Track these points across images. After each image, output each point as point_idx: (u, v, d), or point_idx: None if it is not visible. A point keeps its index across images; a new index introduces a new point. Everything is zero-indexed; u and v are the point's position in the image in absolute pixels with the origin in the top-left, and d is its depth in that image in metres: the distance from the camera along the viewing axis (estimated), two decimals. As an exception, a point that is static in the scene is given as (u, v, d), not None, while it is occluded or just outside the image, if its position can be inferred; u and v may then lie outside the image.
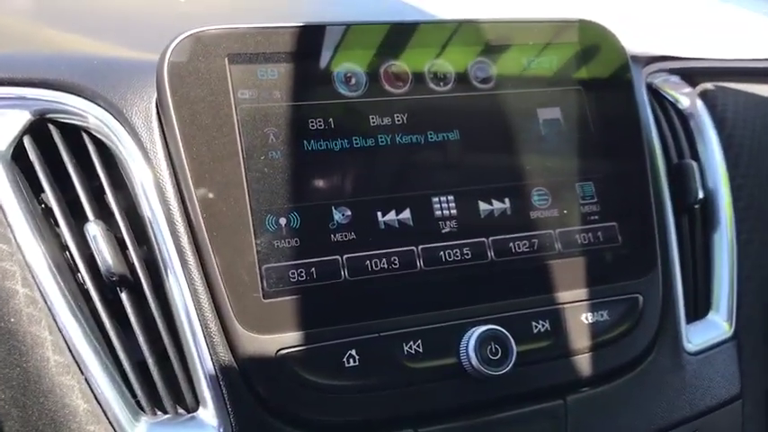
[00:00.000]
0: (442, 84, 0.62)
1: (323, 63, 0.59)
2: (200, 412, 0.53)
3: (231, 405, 0.53)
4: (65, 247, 0.55)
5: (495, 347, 0.56)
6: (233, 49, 0.56)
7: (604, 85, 0.67)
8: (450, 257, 0.58)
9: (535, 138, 0.63)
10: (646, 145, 0.67)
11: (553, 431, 0.59)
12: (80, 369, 0.51)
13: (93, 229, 0.54)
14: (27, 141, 0.56)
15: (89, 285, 0.54)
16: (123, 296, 0.54)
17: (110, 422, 0.51)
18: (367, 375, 0.54)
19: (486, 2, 0.96)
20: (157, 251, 0.55)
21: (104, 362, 0.52)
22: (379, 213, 0.57)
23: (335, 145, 0.58)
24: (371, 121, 0.59)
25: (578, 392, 0.60)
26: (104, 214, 0.57)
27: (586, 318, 0.60)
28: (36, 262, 0.53)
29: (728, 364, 0.68)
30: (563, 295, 0.60)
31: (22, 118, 0.57)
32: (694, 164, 0.73)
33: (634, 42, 0.77)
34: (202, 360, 0.53)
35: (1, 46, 0.69)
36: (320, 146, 0.57)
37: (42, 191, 0.56)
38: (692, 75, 0.81)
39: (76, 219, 0.56)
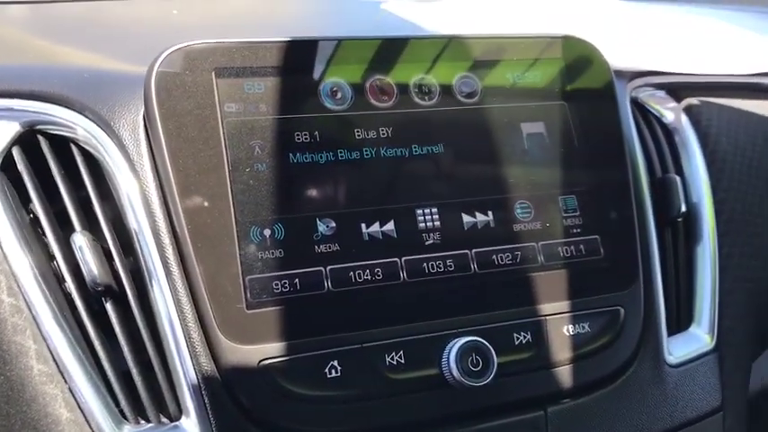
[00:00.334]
0: (427, 98, 0.63)
1: (309, 77, 0.60)
2: (183, 421, 0.54)
3: (213, 414, 0.53)
4: (51, 258, 0.56)
5: (477, 359, 0.56)
6: (220, 63, 0.57)
7: (588, 99, 0.68)
8: (433, 269, 0.59)
9: (519, 151, 0.64)
10: (629, 159, 0.68)
11: (534, 442, 0.60)
12: (64, 378, 0.52)
13: (80, 240, 0.55)
14: (16, 152, 0.57)
15: (74, 295, 0.55)
16: (108, 306, 0.55)
17: (92, 431, 0.51)
18: (349, 386, 0.55)
19: (474, 17, 0.97)
20: (143, 262, 0.55)
21: (88, 371, 0.53)
22: (364, 225, 0.58)
23: (321, 158, 0.58)
24: (357, 134, 0.60)
25: (559, 404, 0.61)
26: (92, 225, 0.57)
27: (568, 330, 0.61)
28: (22, 271, 0.53)
29: (710, 377, 0.69)
30: (545, 307, 0.61)
31: (12, 129, 0.57)
32: (677, 178, 0.74)
33: (619, 57, 0.78)
34: (185, 370, 0.54)
35: (-8, 57, 0.70)
36: (305, 158, 0.58)
37: (30, 201, 0.57)
38: (677, 89, 0.82)
39: (64, 229, 0.57)
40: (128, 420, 0.53)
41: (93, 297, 0.55)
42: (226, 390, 0.54)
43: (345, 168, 0.59)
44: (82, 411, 0.52)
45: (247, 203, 0.55)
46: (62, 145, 0.59)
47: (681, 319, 0.71)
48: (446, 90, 0.63)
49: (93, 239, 0.55)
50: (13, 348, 0.51)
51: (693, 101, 0.81)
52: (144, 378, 0.54)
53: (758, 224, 0.77)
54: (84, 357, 0.53)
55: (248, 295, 0.54)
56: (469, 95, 0.64)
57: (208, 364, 0.54)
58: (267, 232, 0.55)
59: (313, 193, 0.58)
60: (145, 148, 0.57)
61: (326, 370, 0.54)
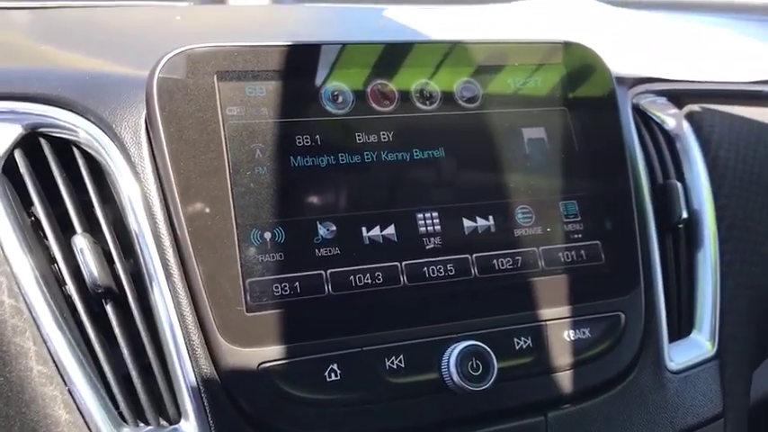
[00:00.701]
0: (428, 103, 0.63)
1: (310, 81, 0.60)
2: (182, 424, 0.54)
3: (213, 417, 0.53)
4: (52, 260, 0.56)
5: (477, 363, 0.56)
6: (221, 67, 0.57)
7: (589, 105, 0.68)
8: (433, 273, 0.59)
9: (520, 156, 0.64)
10: (630, 165, 0.68)
11: (534, 447, 0.59)
12: (63, 380, 0.52)
13: (81, 242, 0.55)
14: (18, 155, 0.57)
15: (75, 297, 0.55)
16: (108, 308, 0.55)
17: (91, 433, 0.51)
18: (348, 390, 0.55)
19: (474, 24, 0.97)
20: (143, 264, 0.56)
21: (88, 373, 0.53)
22: (364, 229, 0.58)
23: (321, 161, 0.59)
24: (358, 138, 0.60)
25: (559, 409, 0.61)
26: (93, 227, 0.57)
27: (568, 335, 0.61)
28: (23, 273, 0.54)
29: (710, 384, 0.69)
30: (545, 312, 0.60)
31: (14, 132, 0.57)
32: (679, 184, 0.74)
33: (621, 64, 0.79)
34: (185, 372, 0.54)
35: (-4, 61, 0.70)
36: (306, 162, 0.58)
37: (32, 203, 0.57)
38: (678, 96, 0.82)
39: (65, 232, 0.57)
40: (127, 423, 0.53)
41: (93, 299, 0.55)
42: (225, 393, 0.54)
43: (346, 172, 0.59)
44: (81, 413, 0.52)
45: (248, 206, 0.56)
46: (64, 147, 0.59)
47: (682, 326, 0.71)
48: (447, 95, 0.63)
49: (93, 242, 0.56)
50: (13, 350, 0.51)
51: (695, 107, 0.81)
52: (143, 380, 0.54)
53: (759, 231, 0.77)
54: (83, 359, 0.53)
55: (248, 298, 0.54)
56: (471, 100, 0.64)
57: (207, 367, 0.54)
58: (267, 235, 0.56)
59: (314, 196, 0.58)
60: (146, 151, 0.58)
61: (326, 373, 0.54)
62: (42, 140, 0.58)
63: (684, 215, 0.73)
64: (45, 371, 0.51)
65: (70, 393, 0.52)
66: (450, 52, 0.65)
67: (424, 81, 0.63)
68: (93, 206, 0.57)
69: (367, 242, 0.58)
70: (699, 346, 0.70)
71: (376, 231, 0.58)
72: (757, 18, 1.14)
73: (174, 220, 0.55)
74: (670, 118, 0.80)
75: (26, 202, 0.57)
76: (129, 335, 0.55)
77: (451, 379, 0.56)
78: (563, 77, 0.67)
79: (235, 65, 0.58)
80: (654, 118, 0.80)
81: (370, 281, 0.57)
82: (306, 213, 0.57)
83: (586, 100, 0.68)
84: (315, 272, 0.56)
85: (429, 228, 0.60)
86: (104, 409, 0.52)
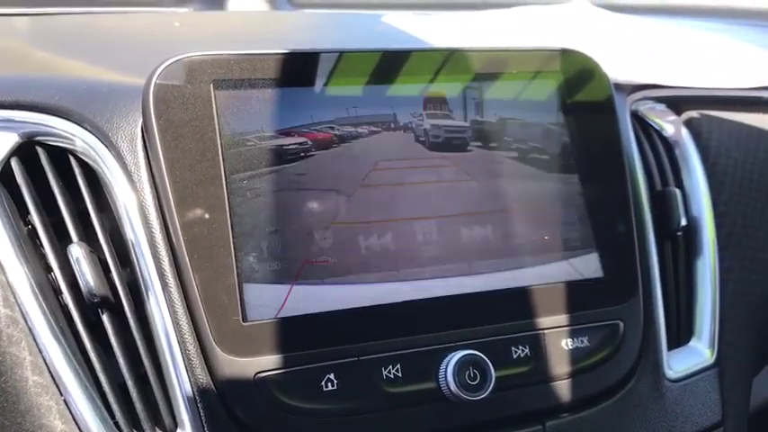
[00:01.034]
0: (425, 111, 0.63)
1: (307, 90, 0.60)
2: (178, 434, 0.53)
3: (209, 427, 0.53)
4: (48, 269, 0.56)
5: (474, 372, 0.56)
6: (218, 75, 0.57)
7: (588, 112, 0.68)
8: (430, 283, 0.58)
9: (517, 165, 0.64)
10: (628, 172, 0.68)
11: (532, 456, 0.59)
12: (59, 390, 0.51)
13: (77, 251, 0.55)
14: (14, 163, 0.57)
15: (71, 306, 0.54)
16: (105, 318, 0.55)
17: (87, 443, 0.51)
18: (345, 399, 0.55)
19: (472, 31, 0.97)
20: (139, 273, 0.55)
21: (83, 383, 0.52)
22: (362, 238, 0.58)
23: (319, 170, 0.58)
24: (355, 147, 0.60)
25: (558, 418, 0.61)
26: (89, 236, 0.57)
27: (566, 343, 0.61)
28: (18, 282, 0.53)
29: (710, 392, 0.68)
30: (543, 321, 0.60)
31: (10, 140, 0.57)
32: (678, 191, 0.74)
33: (619, 71, 0.79)
34: (181, 382, 0.53)
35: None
36: (303, 171, 0.58)
37: (28, 212, 0.57)
38: (677, 103, 0.82)
39: (61, 241, 0.57)
40: (122, 432, 0.53)
41: (89, 308, 0.55)
42: (221, 402, 0.53)
43: (344, 181, 0.59)
44: (77, 423, 0.51)
45: (244, 215, 0.55)
46: (60, 156, 0.59)
47: (681, 333, 0.71)
48: (445, 103, 0.63)
49: (90, 251, 0.55)
50: (9, 359, 0.51)
51: (694, 114, 0.81)
52: (139, 390, 0.54)
53: (759, 237, 0.77)
54: (79, 369, 0.53)
55: (244, 307, 0.54)
56: (468, 108, 0.64)
57: (203, 377, 0.53)
58: (264, 244, 0.55)
59: (311, 205, 0.58)
60: (142, 160, 0.57)
61: (323, 383, 0.54)
62: (39, 149, 0.58)
63: (683, 222, 0.72)
64: (41, 381, 0.51)
65: (66, 403, 0.51)
66: (449, 60, 0.65)
67: (421, 89, 0.63)
68: (89, 215, 0.57)
69: (364, 251, 0.58)
70: (698, 353, 0.70)
71: (373, 240, 0.58)
72: (755, 24, 1.14)
73: (171, 229, 0.55)
74: (669, 124, 0.80)
75: (22, 211, 0.57)
76: (125, 344, 0.55)
77: (449, 388, 0.56)
78: (561, 84, 0.67)
79: (231, 73, 0.58)
80: (652, 125, 0.80)
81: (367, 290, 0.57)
82: (303, 222, 0.57)
83: (584, 107, 0.68)
84: (312, 281, 0.56)
85: (426, 237, 0.60)
86: (100, 419, 0.52)
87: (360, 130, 0.60)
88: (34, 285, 0.54)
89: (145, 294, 0.55)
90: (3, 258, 0.54)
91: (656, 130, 0.79)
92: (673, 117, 0.81)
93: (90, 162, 0.58)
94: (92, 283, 0.54)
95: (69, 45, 0.78)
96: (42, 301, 0.53)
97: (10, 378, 0.51)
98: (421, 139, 0.62)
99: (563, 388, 0.60)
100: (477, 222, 0.61)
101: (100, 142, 0.58)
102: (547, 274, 0.62)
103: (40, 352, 0.52)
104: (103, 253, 0.56)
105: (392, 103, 0.62)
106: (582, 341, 0.61)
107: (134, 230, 0.56)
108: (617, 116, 0.69)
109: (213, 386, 0.53)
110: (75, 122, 0.59)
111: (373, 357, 0.55)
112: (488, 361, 0.57)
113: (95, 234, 0.57)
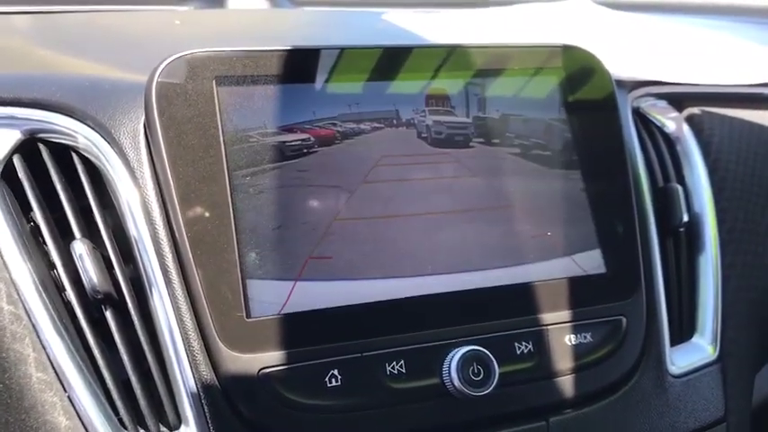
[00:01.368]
0: (428, 107, 0.63)
1: (310, 86, 0.60)
2: (183, 430, 0.53)
3: (213, 424, 0.53)
4: (52, 266, 0.56)
5: (478, 368, 0.56)
6: (220, 72, 0.57)
7: (589, 108, 0.68)
8: (434, 279, 0.58)
9: (519, 161, 0.64)
10: (630, 168, 0.68)
11: (535, 452, 0.59)
12: (63, 386, 0.51)
13: (80, 248, 0.55)
14: (17, 160, 0.57)
15: (74, 303, 0.54)
16: (108, 314, 0.55)
17: (91, 439, 0.51)
18: (349, 395, 0.55)
19: (473, 28, 0.97)
20: (142, 270, 0.55)
21: (87, 379, 0.52)
22: (364, 234, 0.58)
23: (321, 166, 0.58)
24: (357, 143, 0.60)
25: (561, 414, 0.60)
26: (92, 233, 0.57)
27: (570, 339, 0.61)
28: (22, 279, 0.53)
29: (712, 388, 0.68)
30: (546, 317, 0.60)
31: (13, 137, 0.57)
32: (679, 187, 0.74)
33: (620, 67, 0.79)
34: (185, 378, 0.53)
35: (-5, 66, 0.70)
36: (306, 167, 0.58)
37: (31, 209, 0.57)
38: (678, 100, 0.82)
39: (64, 238, 0.57)
40: (127, 429, 0.53)
41: (92, 305, 0.55)
42: (225, 399, 0.53)
43: (346, 177, 0.59)
44: (81, 420, 0.51)
45: (247, 211, 0.55)
46: (63, 153, 0.59)
47: (683, 330, 0.71)
48: (446, 99, 0.63)
49: (93, 247, 0.55)
50: (12, 356, 0.51)
51: (695, 110, 0.81)
52: (143, 387, 0.54)
53: (761, 233, 0.77)
54: (83, 365, 0.53)
55: (248, 303, 0.54)
56: (470, 105, 0.64)
57: (207, 373, 0.53)
58: (267, 240, 0.55)
59: (313, 201, 0.58)
60: (145, 156, 0.57)
61: (327, 379, 0.54)
62: (41, 146, 0.58)
63: (685, 218, 0.72)
64: (44, 377, 0.51)
65: (69, 400, 0.51)
66: (450, 56, 0.65)
67: (423, 86, 0.63)
68: (92, 212, 0.57)
69: (367, 247, 0.58)
70: (700, 349, 0.70)
71: (376, 236, 0.58)
72: (757, 21, 1.13)
73: (174, 226, 0.55)
74: (670, 121, 0.80)
75: (25, 208, 0.57)
76: (128, 341, 0.55)
77: (453, 384, 0.56)
78: (563, 81, 0.67)
79: (234, 70, 0.57)
80: (654, 121, 0.80)
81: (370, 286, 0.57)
82: (306, 218, 0.57)
83: (586, 103, 0.67)
84: (315, 277, 0.56)
85: (429, 233, 0.60)
86: (104, 416, 0.52)
87: (362, 126, 0.60)
88: (37, 282, 0.54)
89: (148, 291, 0.55)
90: (6, 255, 0.54)
91: (657, 127, 0.79)
92: (674, 114, 0.81)
93: (92, 159, 0.58)
94: (95, 279, 0.54)
95: (71, 43, 0.78)
96: (46, 298, 0.53)
97: (14, 375, 0.51)
98: (423, 135, 0.62)
99: (566, 384, 0.60)
100: (479, 219, 0.61)
101: (102, 139, 0.58)
102: (549, 270, 0.62)
103: (44, 348, 0.52)
104: (106, 250, 0.56)
105: (394, 100, 0.62)
106: (585, 337, 0.61)
107: (137, 227, 0.56)
108: (619, 113, 0.69)
109: (217, 382, 0.53)
110: (78, 119, 0.59)
111: (377, 353, 0.55)
112: (492, 357, 0.57)
113: (98, 231, 0.57)
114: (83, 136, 0.58)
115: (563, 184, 0.65)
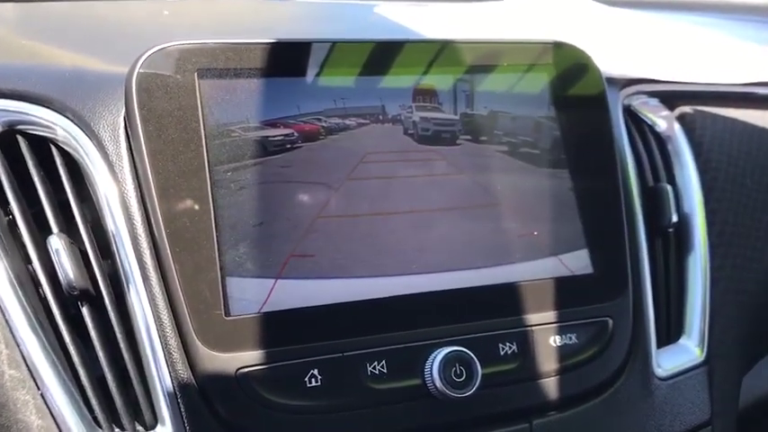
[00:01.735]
0: (415, 103, 0.62)
1: (293, 80, 0.59)
2: (158, 430, 0.52)
3: (189, 423, 0.52)
4: (28, 260, 0.55)
5: (460, 369, 0.55)
6: (202, 64, 0.56)
7: (579, 106, 0.67)
8: (417, 278, 0.58)
9: (507, 159, 0.63)
10: (620, 167, 0.67)
11: (519, 454, 0.58)
12: (36, 384, 0.50)
13: (56, 243, 0.54)
14: (-7, 152, 0.56)
15: (50, 299, 0.53)
16: (84, 311, 0.54)
17: (64, 439, 0.50)
18: (329, 395, 0.54)
19: (465, 22, 0.96)
20: (120, 265, 0.54)
21: (62, 377, 0.51)
22: (348, 232, 0.57)
23: (304, 162, 0.57)
24: (342, 139, 0.59)
25: (545, 416, 0.60)
26: (70, 227, 0.56)
27: (555, 340, 0.60)
28: (-4, 274, 0.52)
29: (699, 390, 0.68)
30: (531, 317, 0.60)
31: (-10, 129, 0.56)
32: (669, 187, 0.73)
33: (611, 65, 0.78)
34: (161, 377, 0.52)
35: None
36: (288, 163, 0.57)
37: (7, 203, 0.55)
38: (670, 98, 0.81)
39: (41, 232, 0.56)
40: (102, 428, 0.52)
41: (69, 301, 0.54)
42: (202, 398, 0.52)
43: (329, 173, 0.58)
44: (54, 418, 0.50)
45: (228, 207, 0.54)
46: (41, 145, 0.57)
47: (671, 331, 0.70)
48: (435, 95, 0.62)
49: (70, 242, 0.54)
50: (-17, 353, 0.50)
51: (687, 109, 0.80)
52: (119, 385, 0.53)
53: (750, 236, 0.76)
54: (57, 363, 0.52)
55: (227, 301, 0.53)
56: (458, 101, 0.63)
57: (184, 372, 0.52)
58: (248, 237, 0.54)
59: (296, 198, 0.57)
60: (125, 150, 0.56)
61: (306, 379, 0.53)
62: (19, 138, 0.57)
63: (675, 219, 0.72)
64: (17, 375, 0.50)
65: (43, 398, 0.50)
66: (439, 52, 0.64)
67: (410, 81, 0.62)
68: (70, 206, 0.56)
69: (350, 245, 0.57)
70: (687, 351, 0.69)
71: (360, 234, 0.57)
72: (750, 19, 1.13)
73: (152, 221, 0.54)
74: (661, 120, 0.79)
75: (2, 201, 0.56)
76: (104, 338, 0.54)
77: (434, 385, 0.55)
78: (553, 78, 0.66)
79: (216, 62, 0.56)
80: (645, 120, 0.79)
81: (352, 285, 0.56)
82: (288, 215, 0.56)
83: (576, 101, 0.67)
84: (296, 275, 0.55)
85: (414, 231, 0.59)
86: (78, 414, 0.51)
87: (347, 122, 0.59)
88: (12, 277, 0.52)
89: (126, 287, 0.54)
90: (-20, 250, 0.52)
91: (648, 126, 0.79)
92: (665, 112, 0.80)
93: (71, 152, 0.57)
94: (71, 274, 0.53)
95: (54, 33, 0.76)
96: (21, 293, 0.52)
97: (-15, 372, 0.50)
98: (410, 131, 0.61)
99: (551, 386, 0.59)
100: (465, 217, 0.60)
101: (82, 132, 0.57)
102: (535, 270, 0.61)
103: (17, 345, 0.51)
104: (84, 245, 0.55)
105: (381, 95, 0.61)
106: (570, 338, 0.60)
107: (115, 222, 0.55)
108: (609, 111, 0.68)
109: (194, 382, 0.52)
110: (57, 111, 0.58)
111: (358, 353, 0.55)
112: (475, 358, 0.56)
113: (76, 225, 0.56)
114: (62, 128, 0.57)
115: (551, 183, 0.64)
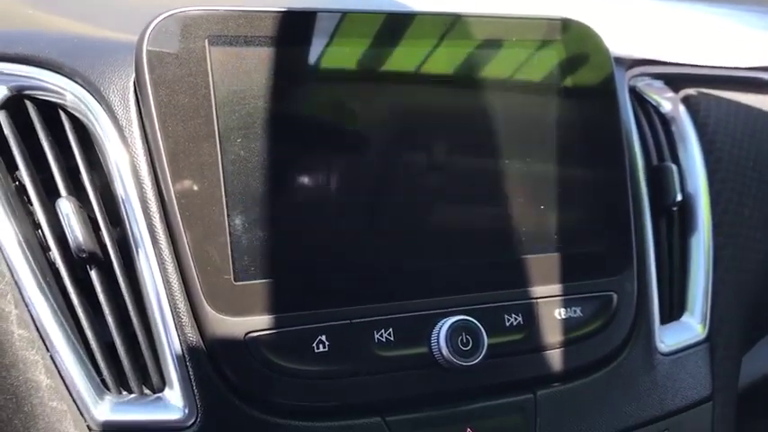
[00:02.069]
0: (423, 76, 0.62)
1: (304, 49, 0.59)
2: (166, 393, 0.53)
3: (197, 387, 0.52)
4: (37, 225, 0.55)
5: (467, 338, 0.56)
6: (213, 31, 0.56)
7: (586, 85, 0.67)
8: (425, 249, 0.58)
9: (514, 136, 0.63)
10: (626, 146, 0.67)
11: (522, 424, 0.59)
12: (45, 345, 0.51)
13: (66, 206, 0.54)
14: (2, 117, 0.56)
15: (59, 263, 0.53)
16: (93, 275, 0.54)
17: (73, 399, 0.50)
18: (336, 361, 0.54)
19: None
20: (129, 230, 0.54)
21: (71, 339, 0.51)
22: (357, 201, 0.57)
23: (314, 131, 0.57)
24: (351, 109, 0.59)
25: (549, 387, 0.60)
26: (79, 193, 0.56)
27: (559, 313, 0.60)
28: (6, 237, 0.52)
29: (700, 366, 0.68)
30: (537, 290, 0.60)
31: (-1, 93, 0.56)
32: (674, 166, 0.73)
33: (618, 44, 0.78)
34: (170, 341, 0.53)
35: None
36: (298, 131, 0.57)
37: (16, 167, 0.55)
38: (675, 80, 0.82)
39: (50, 197, 0.56)
40: (110, 390, 0.52)
41: (78, 265, 0.54)
42: (211, 362, 0.53)
43: (339, 143, 0.58)
44: (63, 379, 0.50)
45: (238, 174, 0.54)
46: (50, 110, 0.57)
47: (673, 308, 0.71)
48: (444, 68, 0.62)
49: (79, 206, 0.54)
50: (-8, 312, 0.50)
51: (691, 91, 0.81)
52: (127, 348, 0.53)
53: (753, 216, 0.76)
54: (66, 325, 0.52)
55: (236, 266, 0.53)
56: (466, 76, 0.63)
57: (193, 336, 0.53)
58: (257, 204, 0.54)
59: (304, 166, 0.57)
60: (134, 115, 0.56)
61: (314, 344, 0.54)
62: (28, 103, 0.57)
63: (679, 198, 0.72)
64: (26, 335, 0.50)
65: (52, 359, 0.51)
66: (447, 26, 0.63)
67: (420, 53, 0.62)
68: (79, 171, 0.56)
69: (359, 214, 0.57)
70: (690, 328, 0.70)
71: (369, 205, 0.57)
72: (755, 9, 1.13)
73: (162, 187, 0.54)
74: (666, 101, 0.79)
75: (11, 167, 0.56)
76: (114, 302, 0.54)
77: (441, 353, 0.55)
78: (560, 55, 0.66)
79: (227, 29, 0.56)
80: (650, 101, 0.79)
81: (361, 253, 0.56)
82: (296, 182, 0.56)
83: (584, 79, 0.67)
84: (305, 242, 0.55)
85: (424, 205, 0.59)
86: (87, 376, 0.51)
87: (357, 90, 0.59)
88: (22, 241, 0.53)
89: (135, 252, 0.54)
90: (-10, 213, 0.52)
91: (653, 107, 0.79)
92: (670, 94, 0.80)
93: (80, 117, 0.57)
94: (80, 238, 0.53)
95: (61, 2, 0.76)
96: (30, 256, 0.52)
97: (-6, 331, 0.50)
98: (419, 104, 0.61)
99: (555, 357, 0.60)
100: (474, 193, 0.61)
101: (91, 96, 0.57)
102: (541, 244, 0.61)
103: (27, 306, 0.51)
104: (93, 209, 0.55)
105: (390, 66, 0.61)
106: (575, 311, 0.61)
107: (125, 187, 0.55)
108: (616, 89, 0.68)
109: (203, 345, 0.53)
110: (66, 76, 0.57)
111: (366, 320, 0.55)
112: (481, 327, 0.56)
113: (85, 190, 0.56)
114: (71, 93, 0.57)
115: (558, 160, 0.64)
